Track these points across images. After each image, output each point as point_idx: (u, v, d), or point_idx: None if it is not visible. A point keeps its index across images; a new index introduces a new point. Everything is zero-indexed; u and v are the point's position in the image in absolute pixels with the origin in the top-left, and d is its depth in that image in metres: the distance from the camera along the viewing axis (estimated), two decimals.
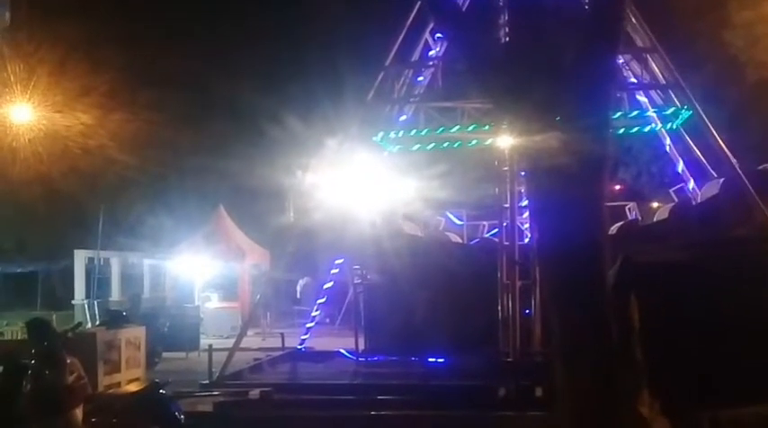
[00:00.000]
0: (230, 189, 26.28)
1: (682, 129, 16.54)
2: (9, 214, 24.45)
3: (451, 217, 17.69)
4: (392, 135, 17.04)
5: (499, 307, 12.78)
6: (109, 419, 7.75)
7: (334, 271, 16.73)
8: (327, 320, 21.12)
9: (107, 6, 23.72)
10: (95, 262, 21.31)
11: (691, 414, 7.84)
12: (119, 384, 12.12)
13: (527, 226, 14.22)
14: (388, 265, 13.48)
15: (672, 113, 16.03)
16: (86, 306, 20.56)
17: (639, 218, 16.62)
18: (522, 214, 13.94)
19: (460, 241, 16.20)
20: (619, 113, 15.68)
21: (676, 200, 16.35)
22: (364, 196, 14.22)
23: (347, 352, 15.00)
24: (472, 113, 16.95)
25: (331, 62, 24.09)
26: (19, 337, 15.64)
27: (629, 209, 16.97)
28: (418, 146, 17.43)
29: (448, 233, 16.50)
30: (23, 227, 25.57)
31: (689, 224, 12.84)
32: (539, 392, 10.82)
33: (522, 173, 12.32)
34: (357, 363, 14.19)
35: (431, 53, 17.31)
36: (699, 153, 16.18)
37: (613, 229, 13.79)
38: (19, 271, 24.67)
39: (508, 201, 13.35)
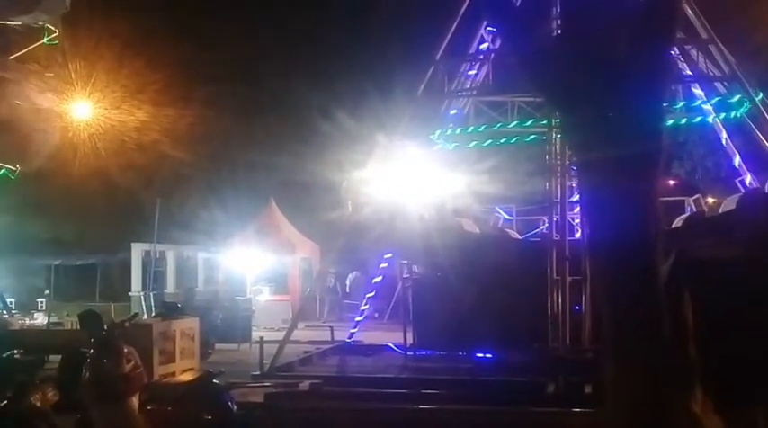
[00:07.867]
0: (281, 183, 26.61)
1: (740, 120, 16.07)
2: (69, 208, 25.16)
3: (501, 212, 17.58)
4: (449, 132, 16.97)
5: (549, 303, 12.68)
6: (164, 407, 7.93)
7: (383, 265, 16.79)
8: (376, 314, 21.21)
9: (161, 2, 24.23)
10: (152, 255, 21.77)
11: (744, 412, 7.66)
12: (173, 373, 12.37)
13: (577, 221, 14.06)
14: (437, 260, 13.46)
15: (729, 105, 15.62)
16: (143, 297, 21.03)
17: (706, 209, 16.00)
18: (572, 209, 13.78)
19: (519, 237, 15.99)
20: (675, 106, 15.32)
21: (742, 190, 15.57)
22: (413, 191, 14.23)
23: (395, 346, 15.05)
24: (522, 107, 16.80)
25: (381, 57, 24.18)
26: (78, 327, 16.11)
27: (695, 200, 16.33)
28: (475, 143, 17.31)
29: (507, 230, 16.31)
30: (83, 221, 26.24)
31: (759, 214, 12.18)
32: (588, 389, 10.69)
33: (573, 168, 12.18)
34: (405, 357, 14.23)
35: (482, 46, 17.22)
36: (764, 141, 15.47)
37: (678, 222, 13.45)
38: (78, 263, 25.36)
39: (558, 196, 13.21)
